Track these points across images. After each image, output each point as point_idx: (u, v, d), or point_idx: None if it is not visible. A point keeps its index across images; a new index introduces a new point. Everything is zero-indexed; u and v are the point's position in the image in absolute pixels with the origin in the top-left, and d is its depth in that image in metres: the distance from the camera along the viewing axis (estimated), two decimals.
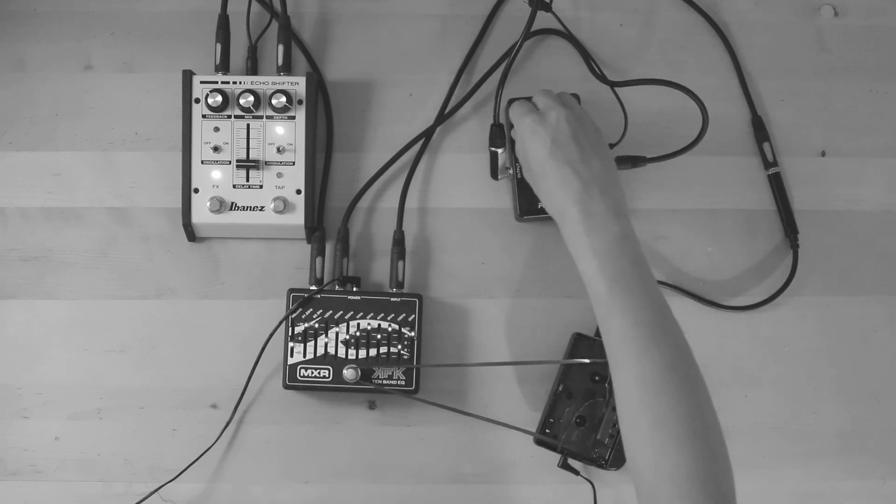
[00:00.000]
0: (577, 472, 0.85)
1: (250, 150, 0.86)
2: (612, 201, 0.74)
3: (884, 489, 0.89)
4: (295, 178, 0.86)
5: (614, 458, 0.82)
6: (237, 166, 0.86)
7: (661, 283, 0.89)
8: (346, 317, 0.84)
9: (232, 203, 0.86)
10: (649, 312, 0.70)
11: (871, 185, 0.93)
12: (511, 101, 0.84)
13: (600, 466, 0.83)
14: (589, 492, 0.86)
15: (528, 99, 0.83)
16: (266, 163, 0.86)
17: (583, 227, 0.73)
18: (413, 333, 0.84)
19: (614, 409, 0.82)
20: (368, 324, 0.84)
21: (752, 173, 0.92)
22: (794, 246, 0.90)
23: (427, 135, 0.91)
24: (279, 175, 0.86)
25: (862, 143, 0.93)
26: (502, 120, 0.87)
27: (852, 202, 0.92)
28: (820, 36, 0.95)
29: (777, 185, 0.91)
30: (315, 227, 0.88)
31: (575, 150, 0.76)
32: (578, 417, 0.83)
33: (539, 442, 0.84)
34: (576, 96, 0.88)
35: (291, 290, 0.85)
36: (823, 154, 0.93)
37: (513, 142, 0.84)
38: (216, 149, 0.86)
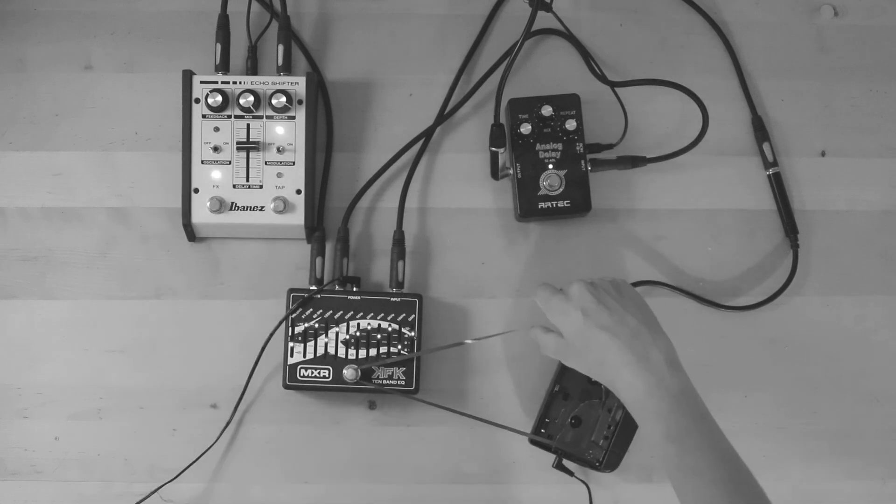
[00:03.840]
0: (571, 473, 0.85)
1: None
2: (661, 354, 0.72)
3: (884, 489, 0.89)
4: (295, 178, 0.86)
5: (609, 459, 0.82)
6: (237, 148, 0.86)
7: (661, 283, 0.90)
8: (346, 317, 0.84)
9: (232, 203, 0.86)
10: (722, 469, 0.68)
11: (871, 185, 0.93)
12: (532, 291, 0.82)
13: (594, 468, 0.83)
14: (586, 492, 0.86)
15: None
16: (266, 163, 0.86)
17: (641, 391, 0.70)
18: (413, 333, 0.84)
19: (609, 410, 0.82)
20: (368, 324, 0.84)
21: (752, 173, 0.92)
22: (795, 246, 0.90)
23: (427, 135, 0.91)
24: (279, 175, 0.86)
25: (862, 143, 0.93)
26: (503, 120, 0.87)
27: (852, 202, 0.92)
28: (820, 36, 0.95)
29: (777, 185, 0.91)
30: (315, 227, 0.88)
31: (606, 314, 0.74)
32: (574, 418, 0.83)
33: (533, 442, 0.84)
34: (576, 96, 0.88)
35: (291, 290, 0.85)
36: (823, 154, 0.93)
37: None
38: (216, 149, 0.86)
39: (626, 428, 0.82)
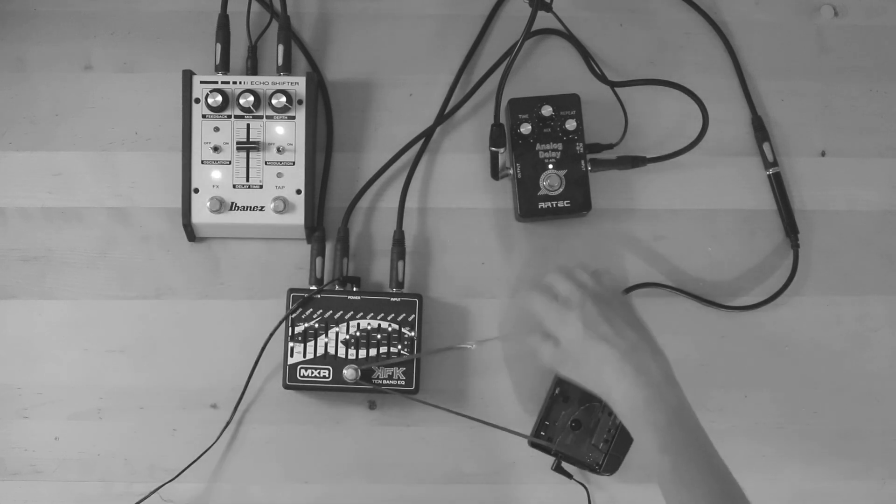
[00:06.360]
0: (570, 476, 0.84)
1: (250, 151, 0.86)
2: (659, 367, 0.72)
3: (884, 490, 0.89)
4: (295, 178, 0.86)
5: (608, 463, 0.82)
6: (237, 148, 0.85)
7: (660, 284, 0.90)
8: (346, 317, 0.84)
9: (232, 203, 0.86)
10: (715, 484, 0.69)
11: (871, 185, 0.93)
12: (526, 295, 0.80)
13: (594, 471, 0.82)
14: (585, 494, 0.86)
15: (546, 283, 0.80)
16: (266, 163, 0.86)
17: (639, 403, 0.70)
18: (413, 333, 0.84)
19: (610, 413, 0.82)
20: (368, 324, 0.84)
21: (752, 173, 0.92)
22: (795, 246, 0.90)
23: (427, 135, 0.91)
24: (279, 175, 0.86)
25: (862, 143, 0.93)
26: (503, 120, 0.87)
27: (852, 202, 0.92)
28: (820, 36, 0.95)
29: (777, 185, 0.91)
30: (315, 227, 0.88)
31: (606, 325, 0.74)
32: (574, 421, 0.83)
33: (533, 444, 0.84)
34: (576, 96, 0.88)
35: (291, 290, 0.85)
36: (823, 154, 0.93)
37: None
38: (216, 149, 0.86)
39: (625, 432, 0.82)
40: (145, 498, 0.85)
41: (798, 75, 0.94)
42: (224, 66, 0.88)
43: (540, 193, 0.87)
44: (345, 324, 0.84)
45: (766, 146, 0.92)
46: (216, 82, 0.86)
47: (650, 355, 0.73)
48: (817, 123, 0.94)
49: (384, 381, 0.84)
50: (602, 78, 0.90)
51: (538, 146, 0.87)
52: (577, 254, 0.90)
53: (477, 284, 0.89)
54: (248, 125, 0.86)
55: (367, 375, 0.83)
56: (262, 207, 0.86)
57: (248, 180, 0.86)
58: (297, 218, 0.86)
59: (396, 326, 0.84)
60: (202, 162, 0.86)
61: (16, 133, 0.90)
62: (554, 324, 0.77)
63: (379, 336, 0.84)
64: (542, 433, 0.83)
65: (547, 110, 0.87)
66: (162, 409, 0.87)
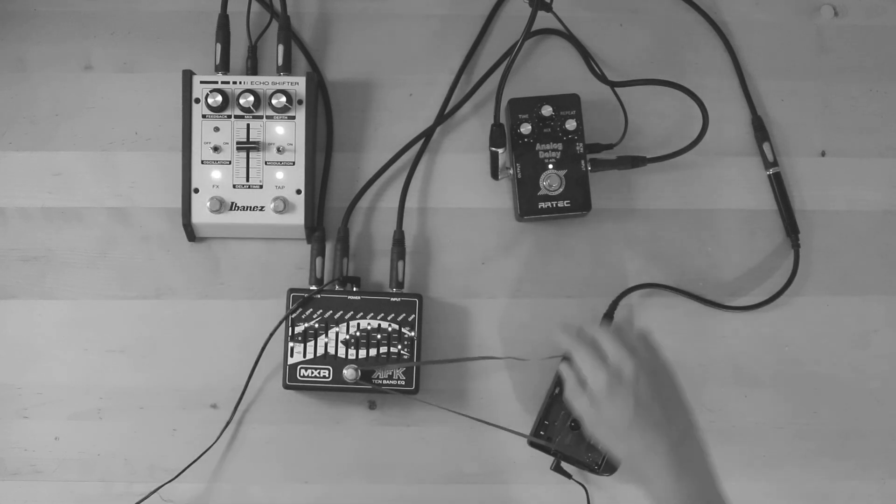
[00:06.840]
0: (569, 476, 0.84)
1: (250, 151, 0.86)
2: (702, 459, 0.71)
3: (883, 489, 0.89)
4: (295, 178, 0.86)
5: (607, 463, 0.82)
6: (237, 148, 0.85)
7: (660, 285, 0.90)
8: (346, 317, 0.84)
9: (232, 203, 0.86)
10: None
11: (871, 185, 0.93)
12: (572, 345, 0.76)
13: (593, 471, 0.82)
14: (584, 494, 0.86)
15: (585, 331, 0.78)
16: (266, 163, 0.86)
17: (682, 497, 0.68)
18: (413, 333, 0.84)
19: None
20: (368, 324, 0.84)
21: (752, 173, 0.92)
22: (796, 246, 0.90)
23: (427, 135, 0.91)
24: (279, 175, 0.86)
25: (862, 143, 0.93)
26: (503, 120, 0.87)
27: (852, 202, 0.92)
28: (820, 36, 0.95)
29: (777, 185, 0.91)
30: (315, 227, 0.88)
31: (659, 410, 0.71)
32: (573, 421, 0.83)
33: (532, 444, 0.84)
34: (576, 96, 0.88)
35: (291, 290, 0.85)
36: (823, 154, 0.93)
37: (559, 382, 0.81)
38: (216, 149, 0.86)
39: None
40: (145, 498, 0.85)
41: (798, 75, 0.94)
42: (224, 66, 0.88)
43: (540, 193, 0.87)
44: (345, 324, 0.84)
45: (766, 146, 0.91)
46: (216, 82, 0.86)
47: (696, 448, 0.71)
48: (817, 123, 0.94)
49: (384, 382, 0.84)
50: (602, 78, 0.90)
51: (538, 146, 0.87)
52: (577, 254, 0.90)
53: (477, 284, 0.89)
54: (248, 125, 0.86)
55: (367, 375, 0.83)
56: (262, 207, 0.86)
57: (248, 180, 0.86)
58: (297, 218, 0.86)
59: (396, 326, 0.84)
60: (202, 162, 0.86)
61: (16, 133, 0.90)
62: (601, 391, 0.73)
63: (379, 336, 0.84)
64: (541, 433, 0.83)
65: (547, 110, 0.87)
66: (162, 409, 0.87)
